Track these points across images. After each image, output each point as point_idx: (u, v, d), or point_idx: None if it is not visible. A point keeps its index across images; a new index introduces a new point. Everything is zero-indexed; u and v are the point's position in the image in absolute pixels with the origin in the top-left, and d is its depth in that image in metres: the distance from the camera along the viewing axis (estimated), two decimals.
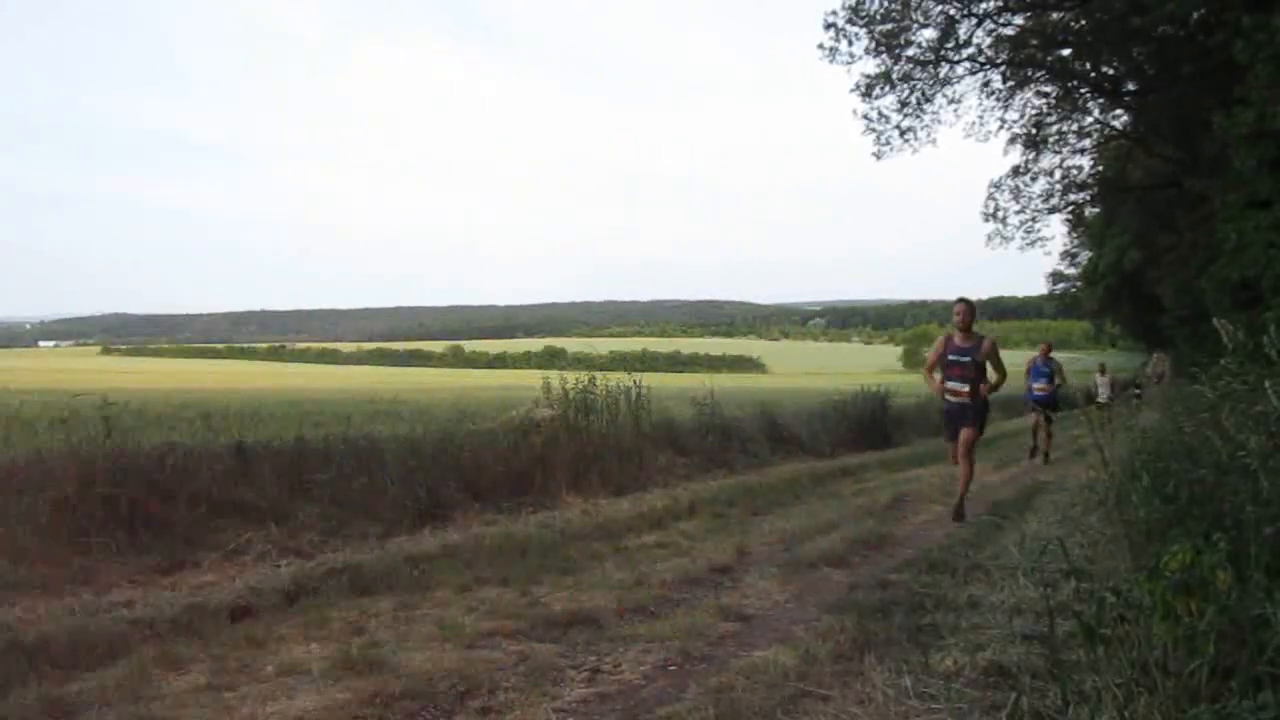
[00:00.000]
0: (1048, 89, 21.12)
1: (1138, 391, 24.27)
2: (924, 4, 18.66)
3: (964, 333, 6.94)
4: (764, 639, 3.61)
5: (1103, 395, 16.93)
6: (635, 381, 9.62)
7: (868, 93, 19.87)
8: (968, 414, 6.89)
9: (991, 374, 6.91)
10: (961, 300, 7.03)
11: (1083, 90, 20.90)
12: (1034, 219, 22.92)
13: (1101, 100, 21.44)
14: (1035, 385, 12.30)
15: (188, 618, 3.94)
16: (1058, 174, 23.19)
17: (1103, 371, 17.82)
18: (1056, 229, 66.94)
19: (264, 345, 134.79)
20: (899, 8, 18.70)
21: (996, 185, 22.97)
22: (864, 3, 18.66)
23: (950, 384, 6.89)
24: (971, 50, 19.56)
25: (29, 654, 3.38)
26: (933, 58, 19.33)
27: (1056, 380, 12.25)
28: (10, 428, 7.17)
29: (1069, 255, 43.24)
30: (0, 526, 4.66)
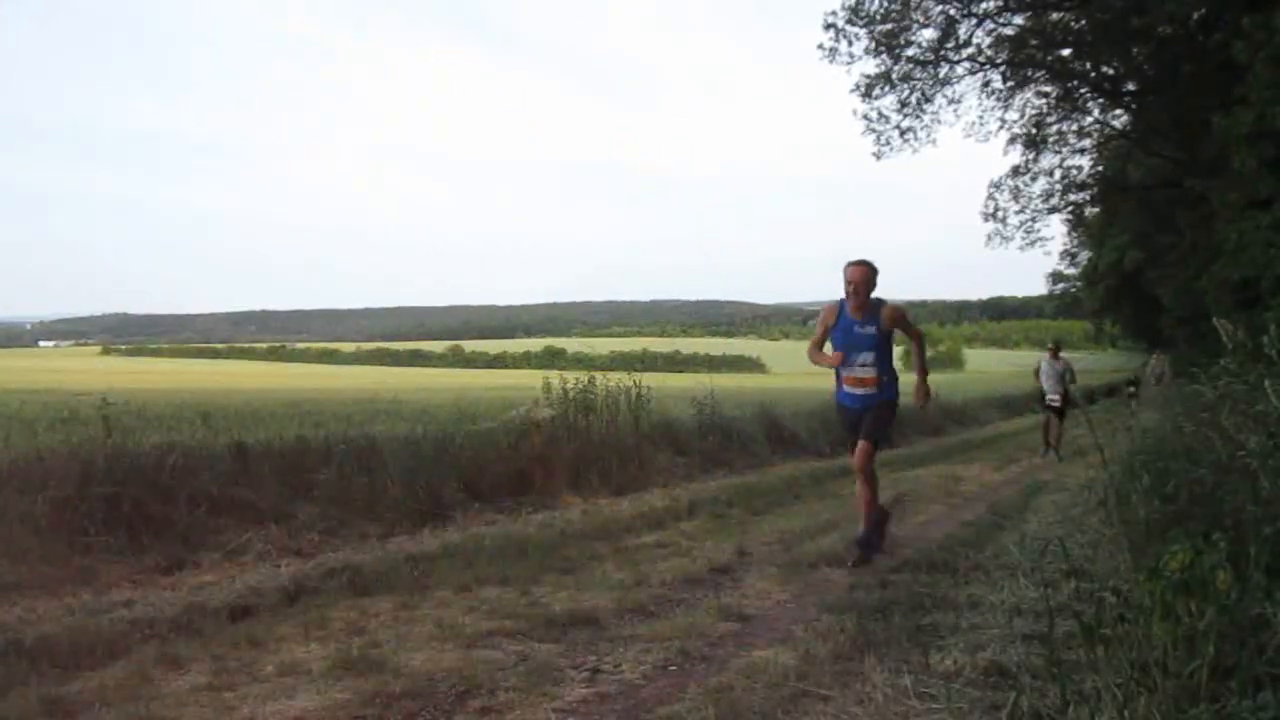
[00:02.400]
0: (1048, 89, 21.16)
1: (1132, 390, 24.10)
2: (924, 4, 18.69)
3: None
4: (764, 639, 3.61)
5: (1051, 395, 12.00)
6: (635, 381, 9.62)
7: (868, 93, 19.90)
8: None
9: None
10: None
11: (1083, 90, 20.92)
12: (1034, 219, 22.99)
13: (1101, 100, 21.46)
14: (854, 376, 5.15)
15: (188, 618, 3.94)
16: (1058, 174, 23.25)
17: (1055, 354, 12.24)
18: (1056, 229, 66.98)
19: (264, 345, 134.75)
20: (899, 8, 18.72)
21: (996, 185, 23.03)
22: (864, 3, 18.70)
23: None
24: (971, 50, 19.60)
25: (29, 654, 3.38)
26: (933, 58, 19.35)
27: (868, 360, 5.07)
28: (10, 428, 7.17)
29: (1069, 255, 43.32)
30: (0, 526, 4.66)
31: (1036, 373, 12.56)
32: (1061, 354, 12.39)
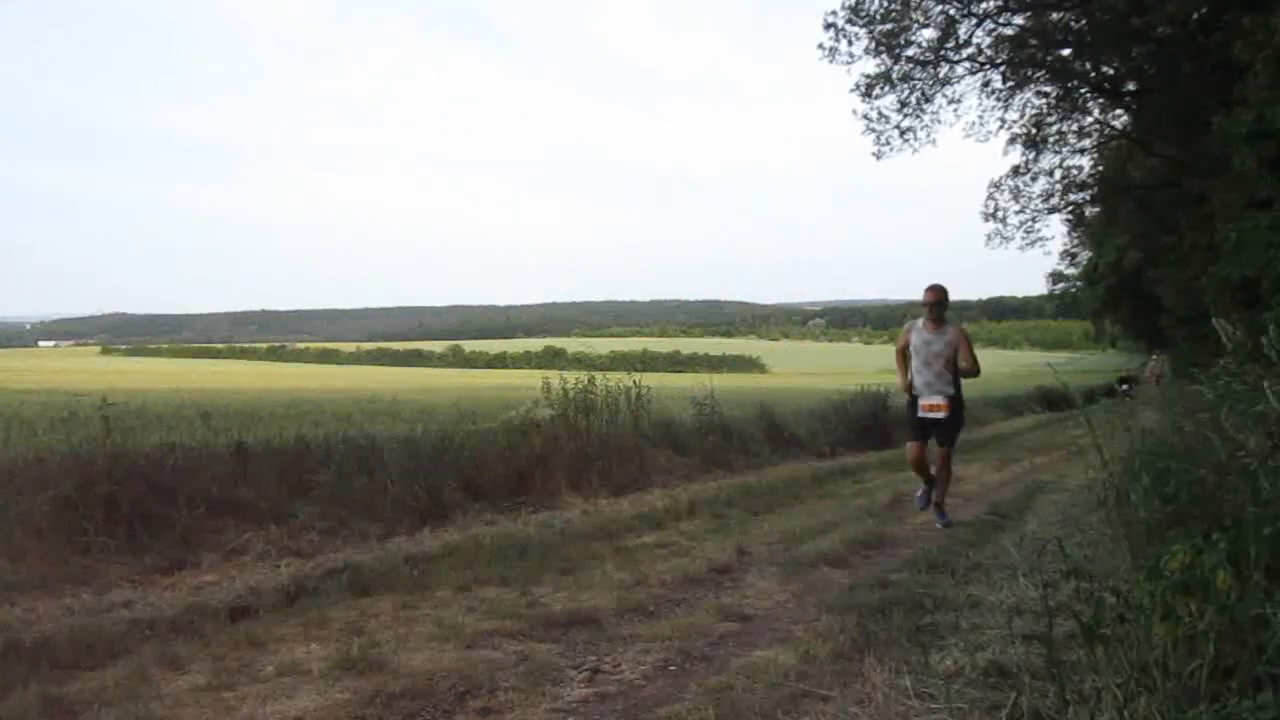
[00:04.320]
0: (1048, 89, 21.10)
1: (1126, 389, 24.12)
2: (924, 4, 18.64)
3: None
4: (764, 639, 3.61)
5: (929, 398, 6.33)
6: (635, 381, 9.62)
7: (867, 93, 19.85)
8: None
9: None
10: None
11: (1083, 90, 20.88)
12: (1034, 219, 22.92)
13: (1101, 100, 21.43)
14: None
15: (188, 618, 3.94)
16: (1058, 174, 23.19)
17: (935, 316, 6.38)
18: (1056, 229, 66.97)
19: (264, 345, 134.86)
20: (899, 8, 18.67)
21: (996, 185, 22.97)
22: (864, 3, 18.64)
23: None
24: (971, 50, 19.54)
25: (29, 654, 3.38)
26: (933, 58, 19.31)
27: None
28: (10, 428, 7.17)
29: (1069, 255, 43.21)
30: (0, 526, 4.66)
31: (902, 352, 6.59)
32: (948, 320, 6.44)
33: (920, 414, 6.36)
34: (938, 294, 6.38)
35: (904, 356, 6.54)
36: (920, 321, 6.46)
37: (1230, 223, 12.54)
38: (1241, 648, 2.13)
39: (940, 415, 6.27)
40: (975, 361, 6.33)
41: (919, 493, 6.75)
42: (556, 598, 4.27)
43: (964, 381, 6.41)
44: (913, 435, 6.52)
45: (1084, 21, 18.39)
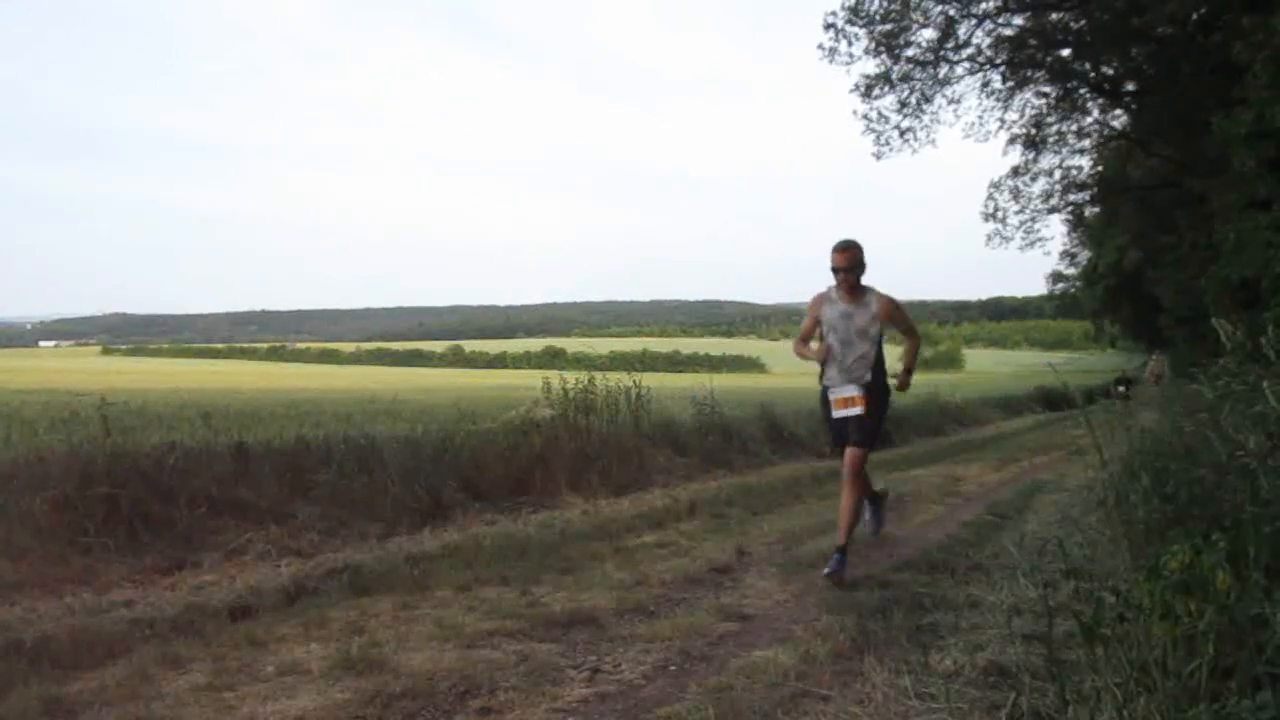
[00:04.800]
0: (1047, 89, 21.12)
1: (1123, 389, 24.07)
2: (924, 4, 18.65)
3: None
4: (764, 639, 3.61)
5: (840, 389, 4.97)
6: (635, 381, 9.62)
7: (867, 93, 19.87)
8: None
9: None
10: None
11: (1082, 90, 20.90)
12: (1034, 219, 22.98)
13: (1101, 100, 21.45)
14: None
15: (188, 618, 3.95)
16: (1057, 174, 23.24)
17: (849, 279, 4.88)
18: (1056, 229, 66.93)
19: (264, 345, 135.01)
20: (899, 8, 18.68)
21: (996, 185, 23.02)
22: (864, 3, 18.65)
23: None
24: (971, 50, 19.56)
25: (29, 654, 3.39)
26: (932, 58, 19.32)
27: None
28: (10, 428, 7.17)
29: (1069, 255, 43.20)
30: (0, 526, 4.66)
31: (807, 334, 5.21)
32: (866, 284, 4.99)
33: (835, 414, 5.01)
34: (851, 255, 4.90)
35: (806, 340, 5.19)
36: (832, 291, 5.04)
37: (1230, 223, 12.54)
38: (1241, 648, 2.13)
39: (855, 411, 4.91)
40: (915, 330, 5.31)
41: (865, 516, 5.49)
42: (556, 598, 4.27)
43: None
44: (834, 447, 5.22)
45: (1084, 21, 18.41)
